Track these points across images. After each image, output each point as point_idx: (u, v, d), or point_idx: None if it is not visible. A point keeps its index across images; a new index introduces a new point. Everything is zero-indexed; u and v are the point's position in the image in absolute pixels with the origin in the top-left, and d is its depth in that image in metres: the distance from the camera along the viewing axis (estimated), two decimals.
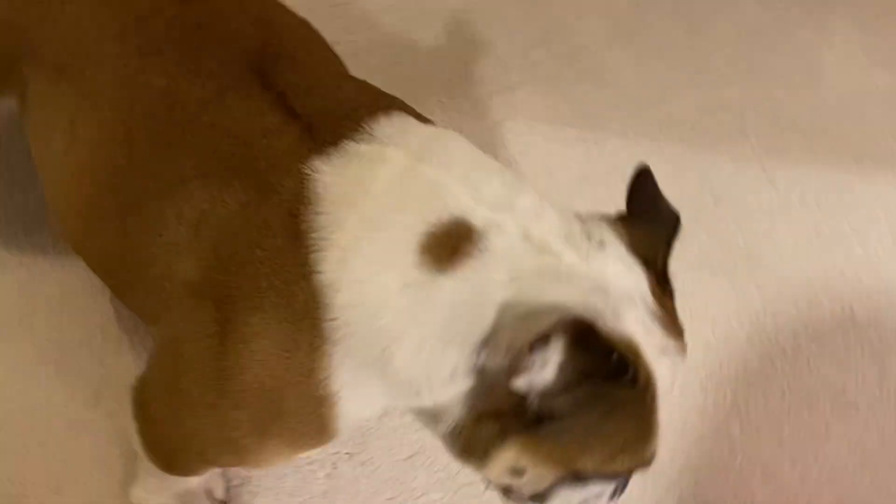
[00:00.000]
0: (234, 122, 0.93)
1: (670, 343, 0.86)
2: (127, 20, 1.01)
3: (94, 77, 1.01)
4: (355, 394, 0.90)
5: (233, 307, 0.89)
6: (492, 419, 0.85)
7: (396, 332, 0.85)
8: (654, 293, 0.87)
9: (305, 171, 0.87)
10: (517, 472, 0.88)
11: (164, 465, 1.06)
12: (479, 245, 0.84)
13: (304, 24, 1.10)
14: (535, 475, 0.88)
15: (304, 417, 0.91)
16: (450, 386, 0.85)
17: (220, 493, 1.29)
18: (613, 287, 0.84)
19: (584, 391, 0.81)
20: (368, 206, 0.86)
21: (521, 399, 0.82)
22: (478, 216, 0.85)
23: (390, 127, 0.92)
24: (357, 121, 0.91)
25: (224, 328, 0.89)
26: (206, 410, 0.94)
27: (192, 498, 1.24)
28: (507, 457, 0.87)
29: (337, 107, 0.93)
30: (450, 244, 0.84)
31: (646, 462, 0.88)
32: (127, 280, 1.03)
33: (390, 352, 0.86)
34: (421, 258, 0.84)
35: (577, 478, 0.88)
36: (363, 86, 1.01)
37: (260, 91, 0.94)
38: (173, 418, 0.99)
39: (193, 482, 1.21)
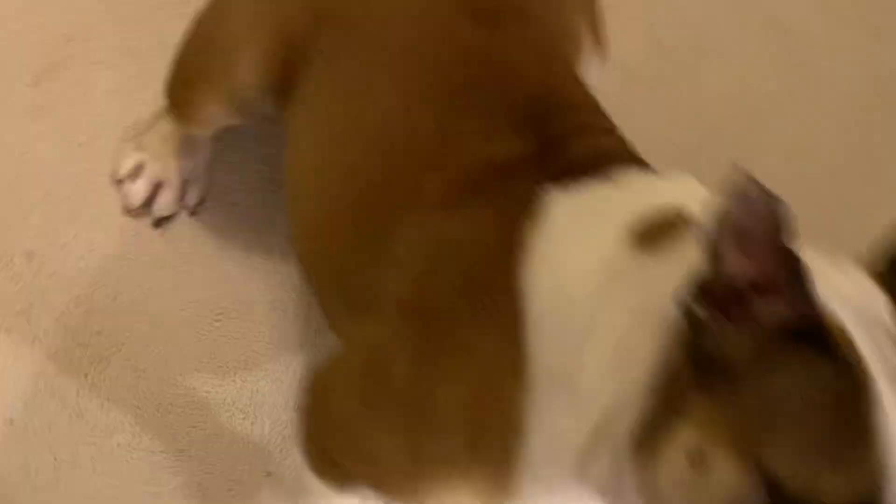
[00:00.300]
0: (487, 153, 0.91)
1: None
2: (414, 33, 1.00)
3: (365, 78, 1.00)
4: (543, 425, 0.81)
5: (445, 327, 0.86)
6: (672, 395, 0.73)
7: (591, 321, 0.78)
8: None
9: (538, 194, 0.85)
10: (696, 459, 0.70)
11: (316, 466, 1.00)
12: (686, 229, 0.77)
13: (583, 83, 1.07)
14: (720, 470, 0.69)
15: (494, 453, 0.84)
16: (636, 373, 0.75)
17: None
18: (844, 293, 0.71)
19: (786, 350, 0.67)
20: (580, 222, 0.84)
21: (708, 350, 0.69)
22: (689, 206, 0.79)
23: (637, 178, 0.88)
24: (606, 168, 0.88)
25: (433, 348, 0.87)
26: (395, 431, 0.89)
27: None
28: (685, 431, 0.71)
29: (592, 156, 0.90)
30: (657, 230, 0.79)
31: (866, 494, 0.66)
32: (335, 286, 1.02)
33: (583, 350, 0.78)
34: (624, 248, 0.79)
35: (771, 487, 0.67)
36: (622, 141, 0.98)
37: (523, 133, 0.91)
38: (354, 429, 0.93)
39: None
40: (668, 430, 0.71)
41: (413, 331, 0.88)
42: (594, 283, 0.79)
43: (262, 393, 1.23)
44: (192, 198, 1.28)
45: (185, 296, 1.24)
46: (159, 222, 1.27)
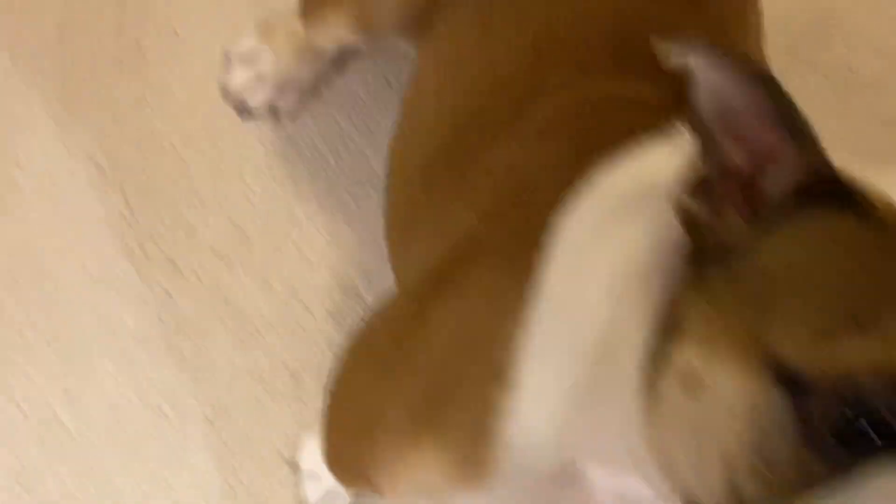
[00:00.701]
0: (610, 89, 0.82)
1: None
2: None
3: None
4: (536, 382, 0.69)
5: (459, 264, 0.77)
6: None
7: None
8: None
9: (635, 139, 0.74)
10: (691, 383, 0.58)
11: (326, 443, 0.92)
12: None
13: None
14: (719, 385, 0.56)
15: (475, 405, 0.71)
16: (639, 301, 0.64)
17: None
18: None
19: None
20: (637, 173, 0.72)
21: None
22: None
23: None
24: None
25: (438, 283, 0.78)
26: (383, 371, 0.80)
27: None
28: (681, 355, 0.59)
29: None
30: None
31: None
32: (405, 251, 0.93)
33: (589, 278, 0.68)
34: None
35: (788, 380, 0.54)
36: None
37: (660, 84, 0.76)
38: (350, 378, 0.86)
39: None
40: (667, 360, 0.59)
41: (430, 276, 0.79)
42: (613, 216, 0.69)
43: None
44: (285, 104, 1.30)
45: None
46: (243, 111, 1.31)
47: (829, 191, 0.56)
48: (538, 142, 0.81)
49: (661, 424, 0.60)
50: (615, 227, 0.68)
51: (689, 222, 0.60)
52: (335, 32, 1.18)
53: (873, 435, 0.51)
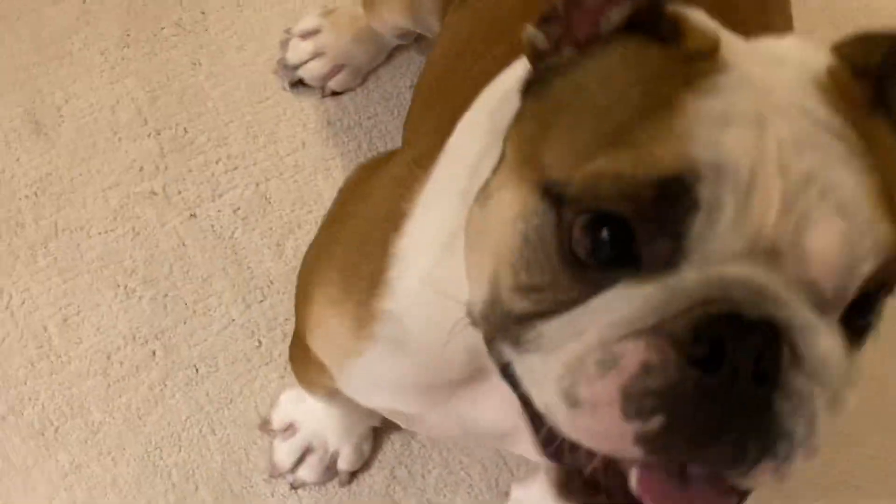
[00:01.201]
0: None
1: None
2: None
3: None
4: (419, 228, 0.72)
5: None
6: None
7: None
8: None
9: None
10: (486, 196, 0.60)
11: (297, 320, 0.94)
12: None
13: None
14: (498, 197, 0.59)
15: (377, 253, 0.74)
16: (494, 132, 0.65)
17: (345, 460, 1.18)
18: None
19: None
20: None
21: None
22: None
23: None
24: None
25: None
26: (328, 237, 0.86)
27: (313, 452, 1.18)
28: (493, 178, 0.61)
29: None
30: None
31: (651, 182, 0.50)
32: None
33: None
34: None
35: (552, 197, 0.54)
36: None
37: None
38: (311, 247, 0.90)
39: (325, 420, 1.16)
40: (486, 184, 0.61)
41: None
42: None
43: None
44: (335, 83, 1.35)
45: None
46: (296, 84, 1.36)
47: (652, 22, 0.57)
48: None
49: (465, 244, 0.62)
50: (494, 86, 0.71)
51: (533, 54, 0.61)
52: (392, 18, 1.23)
53: (608, 244, 0.52)
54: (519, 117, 0.61)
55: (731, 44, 0.57)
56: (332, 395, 0.96)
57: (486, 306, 0.58)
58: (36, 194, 1.30)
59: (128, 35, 1.39)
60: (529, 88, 0.61)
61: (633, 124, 0.52)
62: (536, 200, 0.55)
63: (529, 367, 0.55)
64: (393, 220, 0.73)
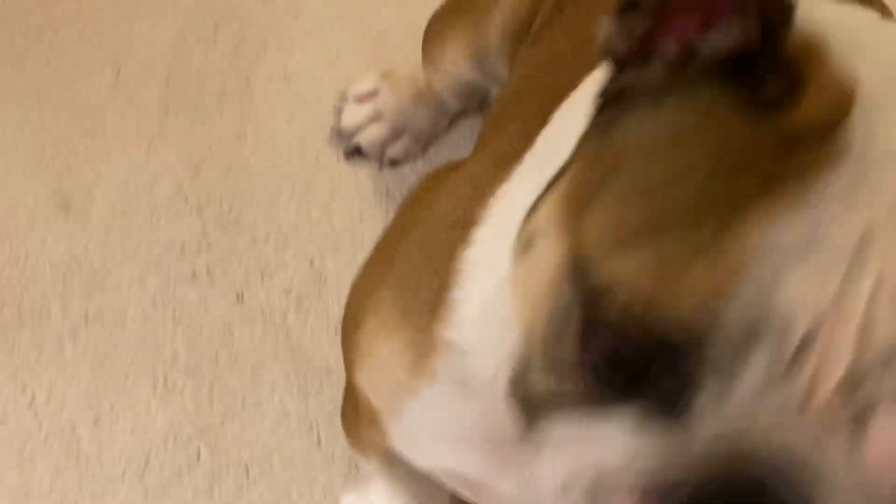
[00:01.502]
0: None
1: None
2: None
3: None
4: (501, 216, 0.61)
5: None
6: None
7: None
8: None
9: None
10: (525, 244, 0.51)
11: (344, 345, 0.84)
12: None
13: None
14: (535, 253, 0.49)
15: (437, 285, 0.64)
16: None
17: None
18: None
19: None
20: None
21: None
22: None
23: None
24: None
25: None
26: (381, 257, 0.77)
27: None
28: (533, 216, 0.51)
29: None
30: None
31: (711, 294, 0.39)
32: None
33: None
34: None
35: (580, 277, 0.44)
36: None
37: None
38: (363, 270, 0.80)
39: None
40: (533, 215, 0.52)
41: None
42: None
43: None
44: (393, 151, 1.24)
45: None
46: (352, 154, 1.25)
47: (765, 60, 0.43)
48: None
49: (510, 282, 0.52)
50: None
51: (611, 58, 0.48)
52: (456, 69, 1.14)
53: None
54: (580, 151, 0.49)
55: (881, 82, 0.41)
56: (388, 461, 0.85)
57: (515, 372, 0.49)
58: (63, 280, 1.17)
59: (166, 106, 1.27)
60: (604, 107, 0.49)
61: (683, 221, 0.40)
62: (565, 277, 0.45)
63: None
64: (461, 227, 0.63)
